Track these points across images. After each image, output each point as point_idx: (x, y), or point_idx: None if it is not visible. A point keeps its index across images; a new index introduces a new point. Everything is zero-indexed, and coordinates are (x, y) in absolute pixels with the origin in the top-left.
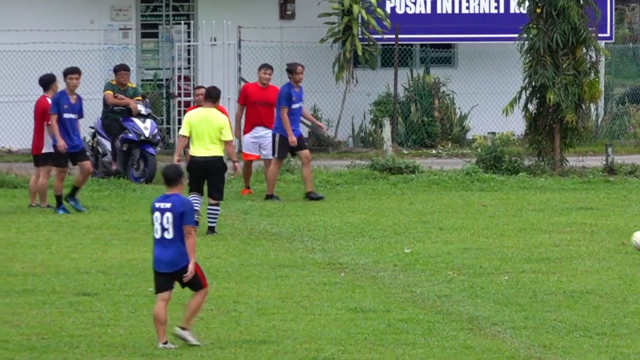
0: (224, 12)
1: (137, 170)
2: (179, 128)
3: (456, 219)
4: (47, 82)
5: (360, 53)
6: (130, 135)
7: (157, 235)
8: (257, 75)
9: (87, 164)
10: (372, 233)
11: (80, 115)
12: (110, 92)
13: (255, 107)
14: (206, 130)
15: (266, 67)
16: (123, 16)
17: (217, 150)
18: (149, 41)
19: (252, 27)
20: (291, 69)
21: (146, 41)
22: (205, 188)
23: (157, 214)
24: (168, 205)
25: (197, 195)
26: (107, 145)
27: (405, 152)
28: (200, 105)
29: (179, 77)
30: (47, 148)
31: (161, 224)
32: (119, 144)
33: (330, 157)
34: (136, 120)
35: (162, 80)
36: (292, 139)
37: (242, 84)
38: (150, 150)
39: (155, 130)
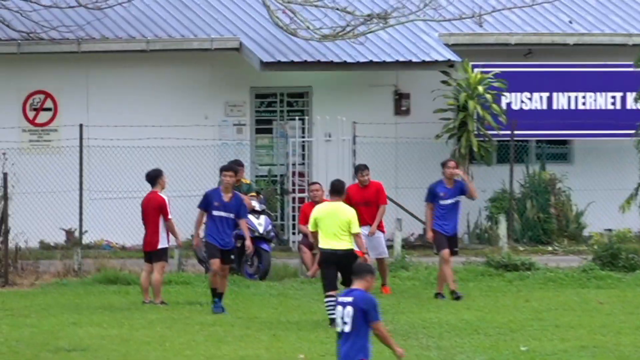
0: (338, 108)
1: (251, 266)
2: (294, 225)
3: (572, 317)
4: (153, 177)
5: (475, 149)
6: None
7: (338, 329)
8: (357, 177)
9: (226, 267)
10: (488, 330)
11: (238, 216)
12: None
13: (358, 207)
14: (334, 224)
15: (362, 168)
16: (237, 112)
17: (346, 243)
18: (264, 137)
19: (367, 122)
20: (443, 164)
21: (260, 137)
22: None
23: (339, 308)
24: (349, 299)
25: (332, 300)
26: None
27: (521, 248)
28: (316, 202)
29: (293, 173)
30: (162, 243)
31: (342, 317)
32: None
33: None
34: (250, 216)
35: (276, 176)
36: (428, 235)
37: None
38: (265, 246)
39: (270, 227)
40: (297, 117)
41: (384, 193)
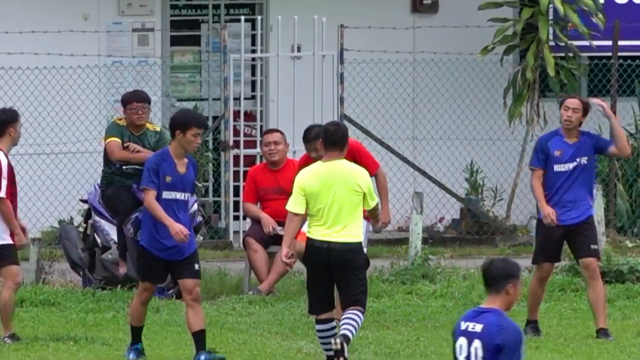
0: (314, 2)
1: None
2: (236, 203)
3: None
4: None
5: (551, 72)
6: None
7: None
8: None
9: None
10: None
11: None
12: (116, 140)
13: None
14: (338, 199)
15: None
16: (140, 9)
17: (353, 231)
18: (184, 51)
19: (364, 27)
20: (562, 102)
21: (179, 51)
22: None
23: (461, 341)
24: (478, 328)
25: (326, 327)
26: (111, 231)
27: (630, 244)
28: (272, 162)
29: (236, 114)
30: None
31: (467, 358)
32: (131, 230)
33: (497, 252)
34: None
35: (206, 119)
36: (547, 213)
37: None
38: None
39: (195, 207)
40: (242, 17)
41: (369, 156)
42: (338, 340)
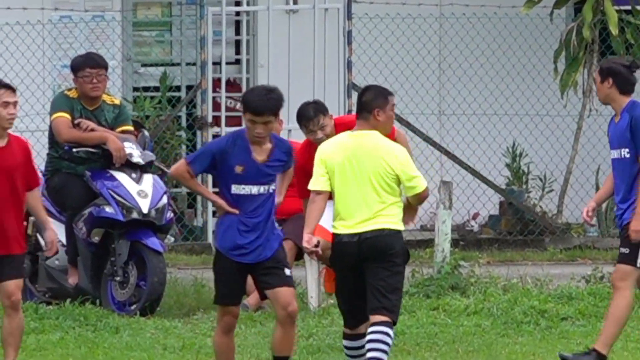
0: None
1: (121, 286)
2: (216, 193)
3: None
4: None
5: (614, 30)
6: (107, 210)
7: None
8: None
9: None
10: None
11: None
12: (65, 116)
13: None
14: (365, 177)
15: (316, 113)
16: None
17: (389, 216)
18: (150, 3)
19: None
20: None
21: (144, 4)
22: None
23: None
24: None
25: (355, 345)
26: (58, 231)
27: None
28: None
29: (216, 83)
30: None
31: None
32: (84, 229)
33: (546, 257)
34: (121, 176)
35: (178, 88)
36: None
37: (349, 100)
38: (152, 242)
39: (164, 200)
40: None
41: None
42: None
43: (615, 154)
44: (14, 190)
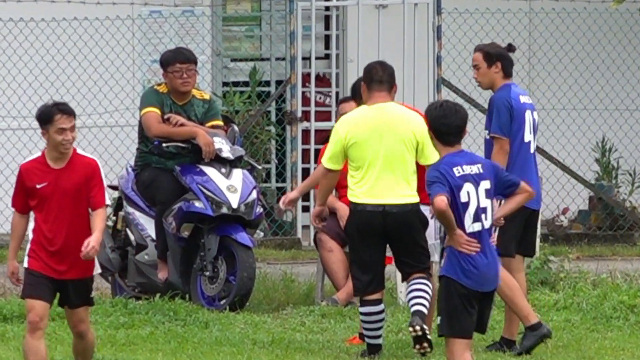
0: None
1: (211, 281)
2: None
3: None
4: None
5: None
6: (197, 205)
7: None
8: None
9: None
10: None
11: None
12: (155, 111)
13: None
14: (387, 150)
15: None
16: None
17: (408, 191)
18: None
19: None
20: None
21: None
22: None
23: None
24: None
25: (375, 310)
26: (147, 226)
27: None
28: None
29: (306, 78)
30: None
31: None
32: (173, 224)
33: (636, 252)
34: (210, 171)
35: (268, 83)
36: None
37: (438, 94)
38: (241, 237)
39: (253, 195)
40: None
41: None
42: (417, 326)
43: None
44: (76, 211)
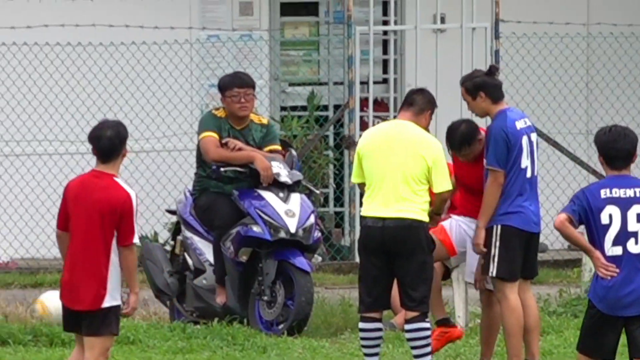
0: None
1: (269, 306)
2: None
3: None
4: (113, 141)
5: None
6: (255, 229)
7: None
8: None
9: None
10: None
11: None
12: (213, 135)
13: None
14: (393, 165)
15: (466, 139)
16: None
17: (412, 207)
18: (298, 23)
19: None
20: None
21: (292, 23)
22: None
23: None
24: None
25: (373, 328)
26: (205, 250)
27: None
28: None
29: (364, 103)
30: (112, 297)
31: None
32: (231, 248)
33: None
34: (268, 195)
35: (326, 108)
36: None
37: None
38: (299, 262)
39: (311, 219)
40: None
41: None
42: None
43: None
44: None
